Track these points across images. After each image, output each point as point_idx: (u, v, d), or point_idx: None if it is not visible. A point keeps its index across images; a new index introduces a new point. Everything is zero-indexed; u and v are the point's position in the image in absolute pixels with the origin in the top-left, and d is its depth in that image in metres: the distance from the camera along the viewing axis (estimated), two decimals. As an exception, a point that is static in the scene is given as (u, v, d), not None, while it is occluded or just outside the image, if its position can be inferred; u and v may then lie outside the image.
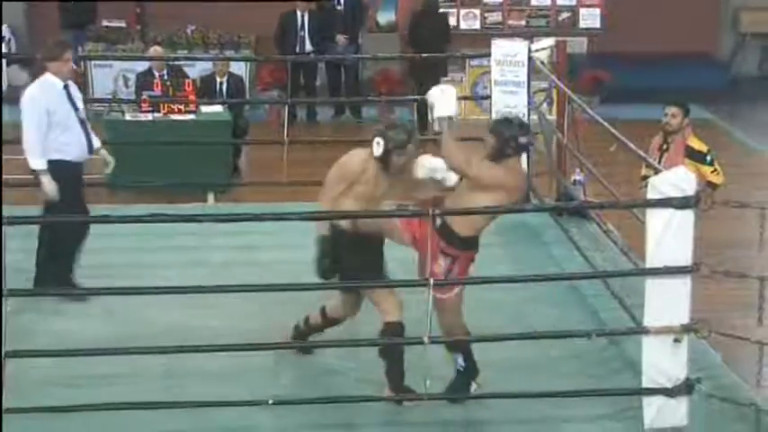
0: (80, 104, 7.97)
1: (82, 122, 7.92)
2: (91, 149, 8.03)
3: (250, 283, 6.96)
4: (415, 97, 13.28)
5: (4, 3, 15.99)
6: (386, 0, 16.11)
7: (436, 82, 12.55)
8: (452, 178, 6.53)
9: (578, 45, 15.27)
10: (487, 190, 6.32)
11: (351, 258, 6.51)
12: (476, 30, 15.96)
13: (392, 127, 6.54)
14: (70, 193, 7.77)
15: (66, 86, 7.84)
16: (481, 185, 6.32)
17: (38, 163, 7.74)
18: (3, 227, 5.69)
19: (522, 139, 6.41)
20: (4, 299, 5.79)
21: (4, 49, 15.80)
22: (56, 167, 7.76)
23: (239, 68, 13.51)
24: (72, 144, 7.83)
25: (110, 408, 6.18)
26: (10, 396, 5.96)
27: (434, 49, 13.54)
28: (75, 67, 11.64)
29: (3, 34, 15.88)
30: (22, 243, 8.03)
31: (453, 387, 6.58)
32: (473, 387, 6.60)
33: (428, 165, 6.58)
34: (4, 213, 5.90)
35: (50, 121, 7.71)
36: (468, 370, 6.59)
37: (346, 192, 6.50)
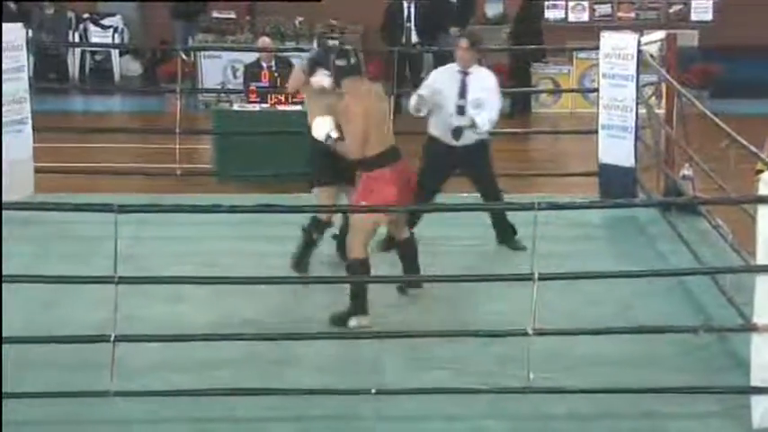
0: None
1: None
2: None
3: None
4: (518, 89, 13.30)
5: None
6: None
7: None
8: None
9: (689, 38, 15.05)
10: (344, 120, 7.27)
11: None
12: (584, 22, 15.81)
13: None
14: None
15: None
16: (343, 121, 7.31)
17: None
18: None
19: (339, 62, 7.33)
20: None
21: (117, 40, 16.12)
22: None
23: (346, 60, 13.55)
24: None
25: (216, 393, 6.26)
26: (117, 379, 6.08)
27: (531, 40, 13.49)
28: (184, 57, 11.85)
29: (115, 25, 16.20)
30: (135, 230, 8.22)
31: (335, 318, 7.14)
32: (352, 322, 7.08)
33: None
34: (119, 201, 6.02)
35: None
36: (356, 305, 7.11)
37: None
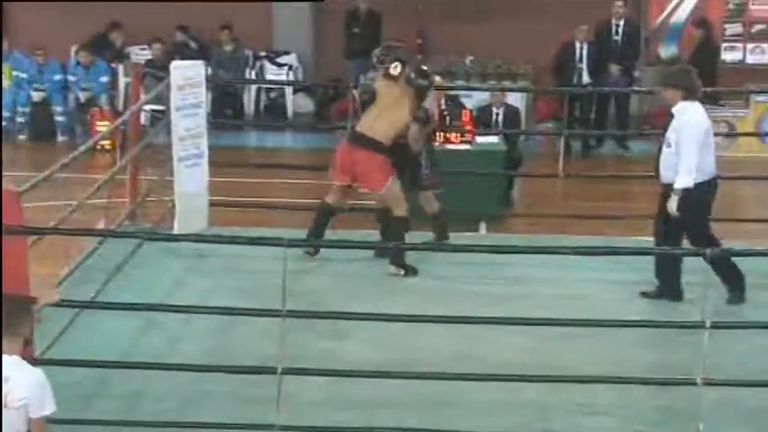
0: None
1: None
2: None
3: (520, 317, 6.91)
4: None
5: (293, 31, 16.67)
6: (669, 33, 15.80)
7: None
8: None
9: None
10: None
11: None
12: (763, 64, 15.43)
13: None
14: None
15: None
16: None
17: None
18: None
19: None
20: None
21: (291, 77, 16.44)
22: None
23: (516, 99, 13.54)
24: None
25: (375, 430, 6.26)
26: (282, 414, 6.14)
27: (704, 81, 13.18)
28: (356, 95, 11.97)
29: (290, 63, 16.51)
30: (304, 264, 8.33)
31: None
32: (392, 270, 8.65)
33: None
34: (290, 235, 6.09)
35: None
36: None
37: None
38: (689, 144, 8.00)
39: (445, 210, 9.35)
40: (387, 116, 8.95)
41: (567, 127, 11.94)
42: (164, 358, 7.07)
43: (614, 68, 14.65)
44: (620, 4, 14.85)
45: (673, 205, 8.01)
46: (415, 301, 8.25)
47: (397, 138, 8.99)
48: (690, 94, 8.13)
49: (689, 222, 8.08)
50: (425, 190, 9.35)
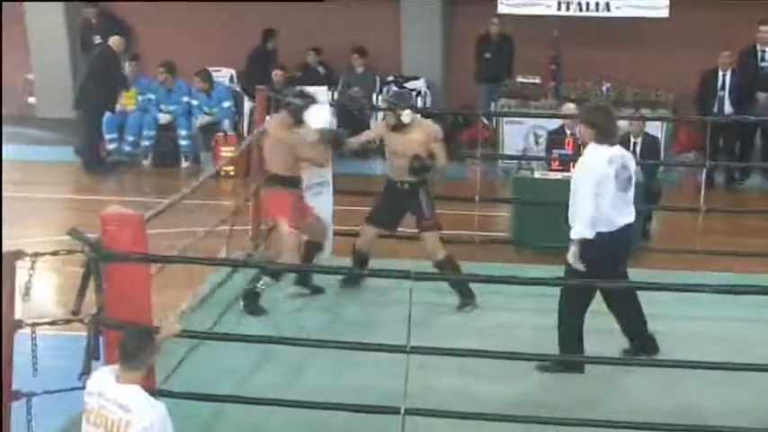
0: None
1: None
2: None
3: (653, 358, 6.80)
4: None
5: (423, 55, 16.74)
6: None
7: None
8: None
9: None
10: None
11: None
12: None
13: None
14: None
15: None
16: None
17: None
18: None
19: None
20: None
21: (419, 103, 16.51)
22: None
23: (656, 128, 13.37)
24: None
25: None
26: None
27: None
28: (486, 122, 11.96)
29: (419, 88, 16.57)
30: (431, 297, 8.32)
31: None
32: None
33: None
34: (417, 267, 6.10)
35: None
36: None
37: None
38: (583, 191, 7.51)
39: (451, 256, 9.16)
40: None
41: (710, 158, 11.71)
42: (281, 392, 7.13)
43: (762, 97, 14.35)
44: (765, 29, 14.53)
45: (569, 256, 7.56)
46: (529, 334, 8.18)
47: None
48: (602, 137, 7.55)
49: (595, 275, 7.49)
50: (427, 231, 9.22)
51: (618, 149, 7.67)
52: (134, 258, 6.15)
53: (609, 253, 7.57)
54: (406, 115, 9.16)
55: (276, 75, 15.23)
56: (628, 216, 7.67)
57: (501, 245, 10.85)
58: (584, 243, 7.49)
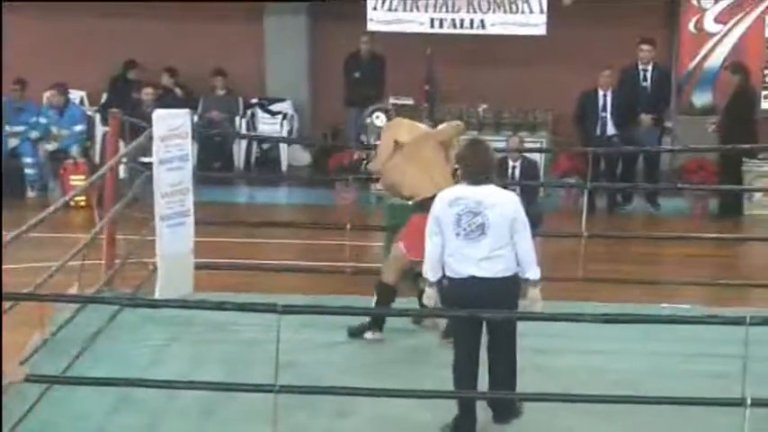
0: None
1: None
2: None
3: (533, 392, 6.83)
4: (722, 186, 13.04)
5: (288, 76, 16.73)
6: (703, 79, 15.81)
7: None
8: None
9: None
10: None
11: None
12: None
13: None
14: None
15: None
16: None
17: None
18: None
19: None
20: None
21: (285, 127, 16.48)
22: None
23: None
24: None
25: None
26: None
27: (742, 133, 13.23)
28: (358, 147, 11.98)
29: (285, 111, 16.56)
30: (299, 334, 8.27)
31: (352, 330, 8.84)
32: (368, 335, 8.80)
33: None
34: (283, 301, 6.05)
35: None
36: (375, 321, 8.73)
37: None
38: (427, 229, 7.26)
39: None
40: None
41: (592, 181, 11.88)
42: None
43: (645, 118, 14.62)
44: (647, 47, 14.84)
45: (424, 297, 7.40)
46: (424, 373, 8.18)
47: None
48: (466, 174, 7.24)
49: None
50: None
51: (477, 191, 7.11)
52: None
53: (460, 302, 7.13)
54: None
55: (147, 94, 15.12)
56: (475, 269, 7.04)
57: (375, 276, 10.84)
58: (438, 284, 7.23)
